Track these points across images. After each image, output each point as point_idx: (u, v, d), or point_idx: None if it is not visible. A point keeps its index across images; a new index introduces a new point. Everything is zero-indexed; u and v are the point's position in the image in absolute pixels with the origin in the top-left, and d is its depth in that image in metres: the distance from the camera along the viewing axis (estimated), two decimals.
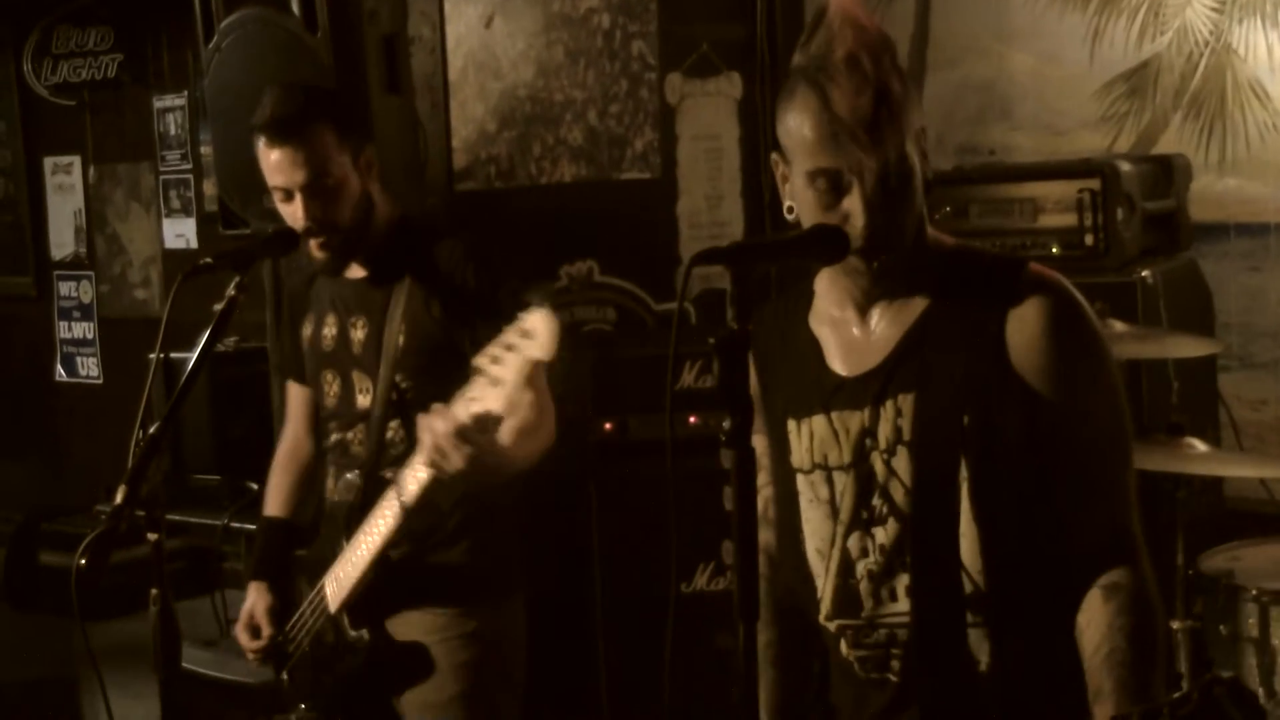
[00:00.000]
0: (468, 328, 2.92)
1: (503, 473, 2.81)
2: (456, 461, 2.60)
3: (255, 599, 3.20)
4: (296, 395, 3.34)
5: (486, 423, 2.59)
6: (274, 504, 3.33)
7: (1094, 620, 1.97)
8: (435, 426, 2.59)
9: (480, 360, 2.49)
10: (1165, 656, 1.99)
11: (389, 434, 3.01)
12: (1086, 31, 4.57)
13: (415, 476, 2.74)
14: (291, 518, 3.31)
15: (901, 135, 1.96)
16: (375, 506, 2.88)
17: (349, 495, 3.04)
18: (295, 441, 3.36)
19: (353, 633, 2.99)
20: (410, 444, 2.96)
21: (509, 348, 2.44)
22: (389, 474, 2.94)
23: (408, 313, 2.97)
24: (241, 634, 3.20)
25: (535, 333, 2.39)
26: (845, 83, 1.94)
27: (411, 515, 2.79)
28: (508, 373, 2.45)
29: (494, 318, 2.85)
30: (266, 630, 3.16)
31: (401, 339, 2.98)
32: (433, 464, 2.65)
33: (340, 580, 2.98)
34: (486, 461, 2.66)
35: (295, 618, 3.13)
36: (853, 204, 1.96)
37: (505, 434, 2.76)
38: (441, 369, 2.96)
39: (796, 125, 1.99)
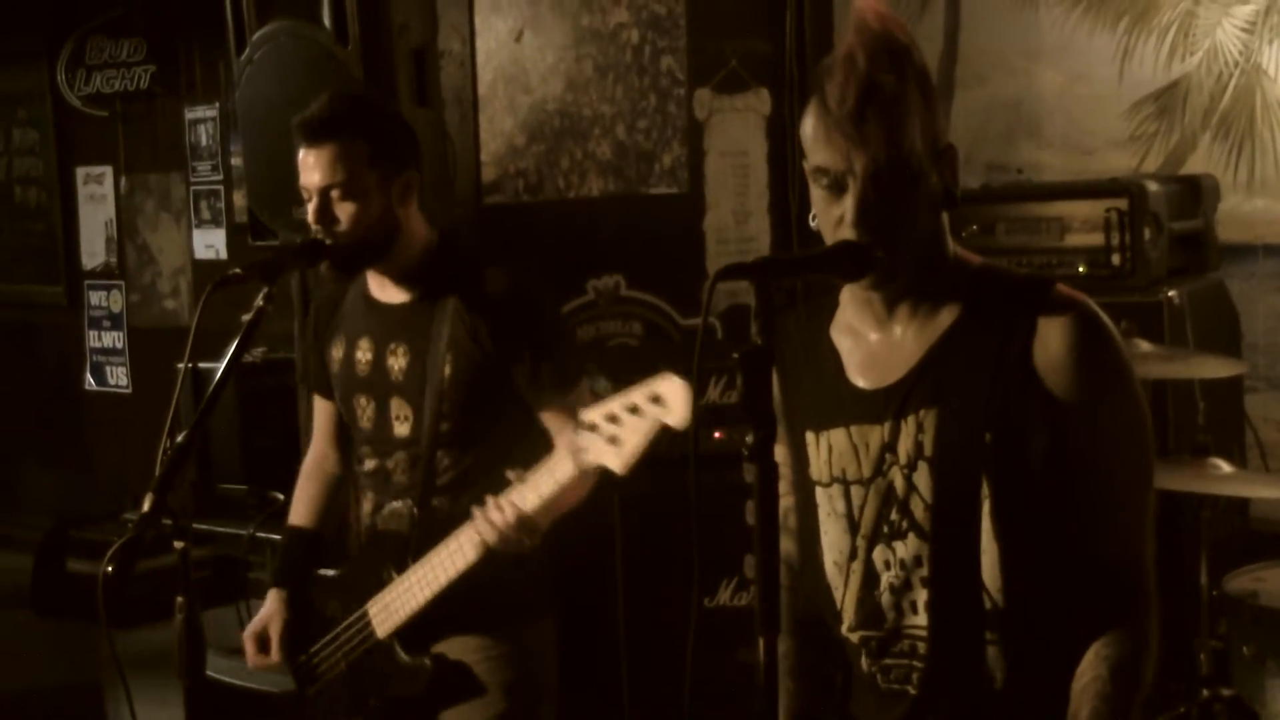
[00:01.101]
0: (519, 361, 2.96)
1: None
2: (527, 544, 2.80)
3: (274, 611, 3.20)
4: (322, 409, 3.35)
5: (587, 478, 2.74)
6: (299, 514, 3.34)
7: (1086, 647, 1.98)
8: (496, 520, 2.76)
9: (592, 415, 2.54)
10: (1147, 691, 1.99)
11: (437, 464, 3.04)
12: (1116, 50, 4.57)
13: (501, 514, 2.82)
14: (316, 528, 3.33)
15: (898, 135, 1.95)
16: (441, 541, 2.91)
17: (398, 525, 3.04)
18: (321, 454, 3.37)
19: (406, 658, 3.00)
20: (458, 475, 3.01)
21: (634, 410, 2.48)
22: (438, 503, 2.98)
23: (453, 341, 2.97)
24: (249, 641, 3.21)
25: (667, 400, 2.42)
26: (837, 77, 1.96)
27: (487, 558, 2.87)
28: (632, 436, 2.50)
29: (543, 352, 2.97)
30: (276, 653, 3.18)
31: (448, 369, 2.98)
32: (495, 542, 2.79)
33: (391, 608, 2.99)
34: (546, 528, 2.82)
35: (329, 639, 3.14)
36: (847, 201, 1.97)
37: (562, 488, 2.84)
38: (487, 399, 2.99)
39: (804, 125, 2.01)
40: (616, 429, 2.51)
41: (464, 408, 2.99)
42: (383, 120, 3.05)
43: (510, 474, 2.79)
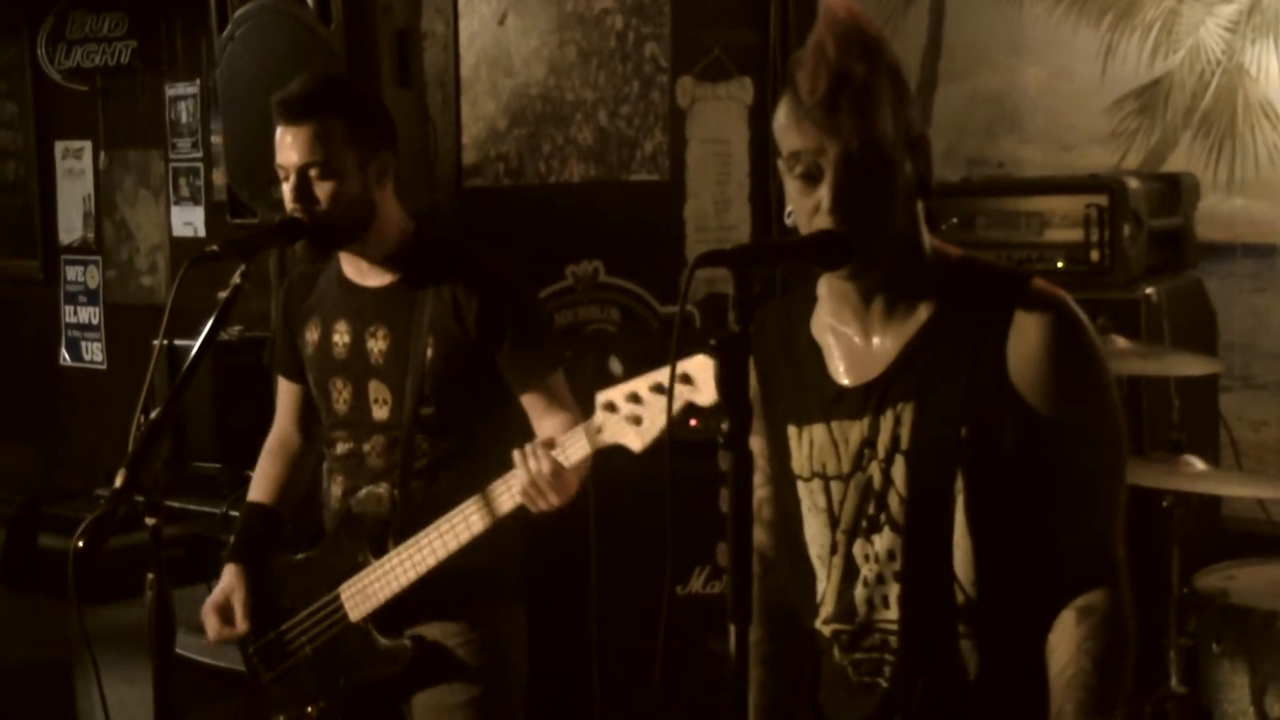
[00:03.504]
0: (502, 345, 2.97)
1: None
2: (554, 500, 2.75)
3: (233, 585, 3.19)
4: (287, 390, 3.34)
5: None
6: (259, 491, 3.33)
7: (1064, 640, 1.99)
8: (532, 467, 2.71)
9: (611, 395, 2.57)
10: (1130, 682, 2.00)
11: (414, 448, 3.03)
12: (1099, 47, 4.57)
13: (491, 507, 2.80)
14: (275, 506, 3.32)
15: (870, 122, 1.96)
16: (424, 523, 2.90)
17: (376, 508, 3.03)
18: (284, 433, 3.37)
19: (385, 640, 3.00)
20: (436, 459, 2.99)
21: (658, 389, 2.50)
22: (414, 486, 2.97)
23: (435, 324, 2.97)
24: (210, 615, 3.19)
25: (696, 378, 2.42)
26: (808, 66, 1.96)
27: (490, 531, 2.85)
28: (657, 415, 2.52)
29: (525, 345, 2.97)
30: (242, 624, 3.17)
31: (429, 352, 2.98)
32: (528, 499, 2.76)
33: (368, 591, 2.99)
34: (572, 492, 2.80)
35: (294, 622, 3.13)
36: (822, 190, 1.97)
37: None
38: (468, 382, 2.99)
39: (776, 116, 2.02)
40: (639, 409, 2.55)
41: (445, 391, 2.99)
42: (361, 101, 3.05)
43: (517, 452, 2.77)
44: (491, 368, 2.99)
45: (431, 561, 2.90)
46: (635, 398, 2.55)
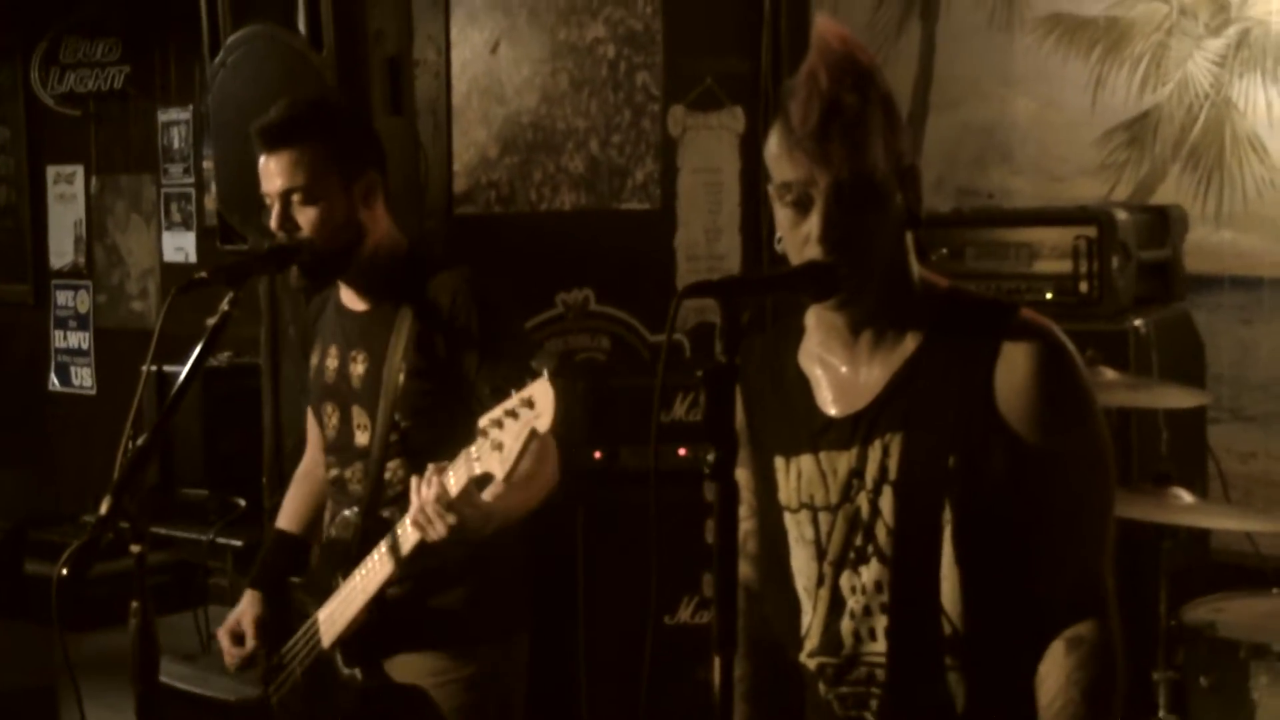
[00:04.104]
0: (473, 368, 2.92)
1: (491, 528, 2.80)
2: (440, 530, 2.65)
3: (246, 607, 3.19)
4: (313, 420, 3.33)
5: (483, 483, 2.63)
6: (285, 517, 3.33)
7: (1053, 671, 1.99)
8: (423, 493, 2.63)
9: (484, 421, 2.51)
10: (1119, 714, 2.00)
11: (388, 474, 2.99)
12: (1088, 79, 4.59)
13: (407, 530, 2.75)
14: (299, 533, 3.31)
15: (861, 152, 1.96)
16: (373, 546, 2.88)
17: (346, 533, 3.02)
18: (311, 461, 3.36)
19: (345, 670, 2.98)
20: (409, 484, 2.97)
21: (512, 414, 2.46)
22: (387, 514, 2.95)
23: (409, 349, 2.95)
24: (224, 637, 3.19)
25: (537, 403, 2.40)
26: (800, 95, 1.97)
27: (407, 564, 2.80)
28: (509, 440, 2.47)
29: (495, 363, 2.88)
30: (250, 641, 3.15)
31: (402, 376, 2.95)
32: (418, 528, 2.69)
33: (334, 617, 2.97)
34: (472, 526, 2.69)
35: (290, 643, 3.12)
36: (812, 219, 1.97)
37: (497, 486, 2.78)
38: (443, 408, 2.95)
39: (768, 145, 2.02)
40: (499, 434, 2.48)
41: (417, 416, 2.96)
42: (342, 122, 3.04)
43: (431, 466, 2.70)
44: (463, 393, 2.94)
45: (374, 581, 2.85)
46: (498, 423, 2.49)
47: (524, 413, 2.42)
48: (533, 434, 2.42)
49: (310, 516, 3.31)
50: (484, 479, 2.60)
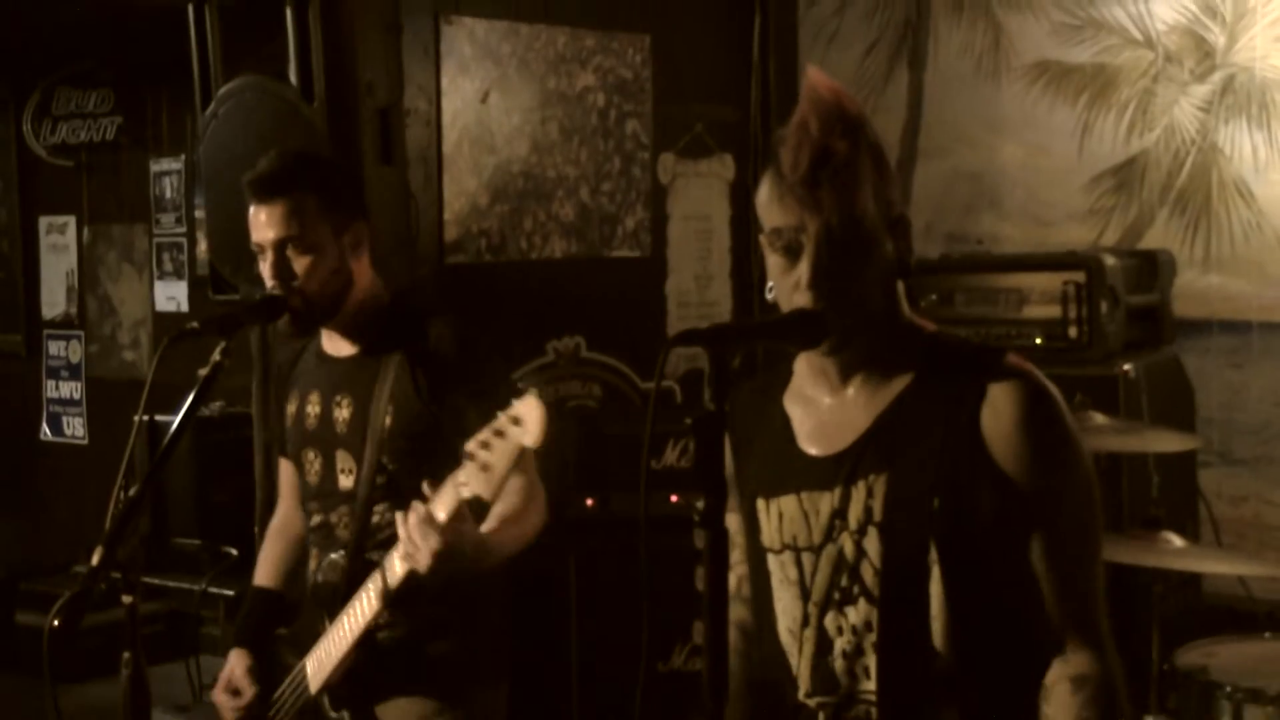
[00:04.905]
0: (456, 410, 2.92)
1: (486, 562, 2.80)
2: (426, 556, 2.61)
3: (235, 662, 3.18)
4: (286, 470, 3.33)
5: (473, 509, 2.61)
6: (263, 573, 3.31)
7: (1060, 712, 1.98)
8: (408, 520, 2.62)
9: (471, 445, 2.50)
10: None
11: (375, 517, 2.99)
12: (1076, 125, 4.63)
13: (394, 566, 2.74)
14: (278, 588, 3.30)
15: (851, 199, 1.98)
16: (360, 589, 2.88)
17: (333, 576, 3.02)
18: (286, 515, 3.35)
19: (333, 714, 2.97)
20: (396, 530, 2.96)
21: (499, 434, 2.45)
22: (375, 556, 2.94)
23: (395, 393, 2.96)
24: (220, 695, 3.17)
25: (524, 420, 2.40)
26: (790, 143, 1.99)
27: (394, 602, 2.79)
28: (497, 459, 2.46)
29: (481, 400, 2.84)
30: (249, 691, 3.12)
31: (388, 420, 2.96)
32: (406, 556, 2.67)
33: (321, 661, 2.96)
34: (464, 553, 2.66)
35: (277, 694, 3.11)
36: (802, 266, 1.99)
37: (490, 520, 2.77)
38: (428, 451, 2.94)
39: (759, 193, 2.04)
40: (487, 455, 2.47)
41: (403, 460, 2.95)
42: (331, 173, 3.07)
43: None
44: (449, 438, 2.95)
45: (360, 623, 2.84)
46: (485, 444, 2.48)
47: (511, 430, 2.42)
48: (520, 451, 2.42)
49: (287, 571, 3.30)
50: (474, 503, 2.59)
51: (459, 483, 2.55)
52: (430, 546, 2.59)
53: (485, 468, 2.48)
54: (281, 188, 2.94)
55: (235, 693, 3.14)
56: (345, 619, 2.89)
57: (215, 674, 3.25)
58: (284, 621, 3.21)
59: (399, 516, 2.66)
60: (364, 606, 2.83)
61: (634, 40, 4.77)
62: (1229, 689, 3.28)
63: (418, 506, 2.62)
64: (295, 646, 3.08)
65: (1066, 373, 2.16)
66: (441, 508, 2.61)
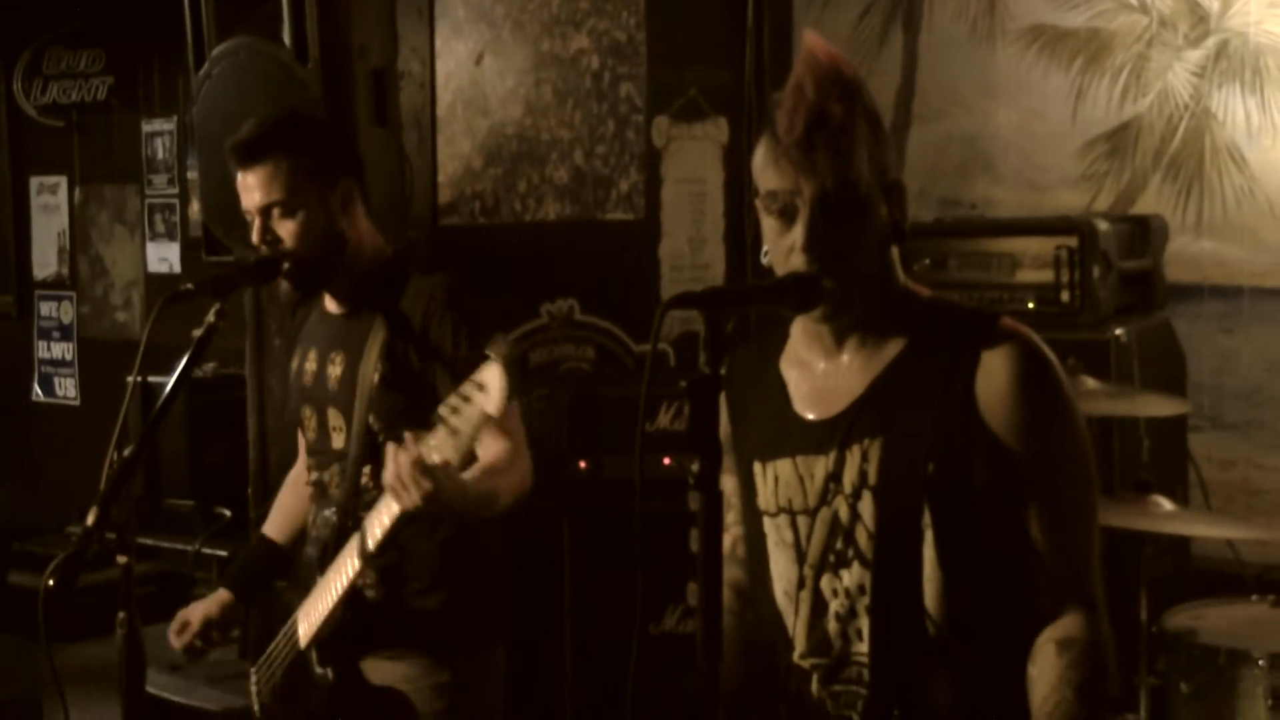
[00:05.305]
0: (443, 371, 2.92)
1: (474, 510, 2.81)
2: (415, 496, 2.58)
3: (207, 603, 3.20)
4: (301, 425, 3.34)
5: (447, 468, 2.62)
6: (271, 524, 3.35)
7: (1045, 672, 2.00)
8: (399, 458, 2.61)
9: (442, 409, 2.51)
10: (1110, 712, 2.02)
11: (363, 479, 3.00)
12: (1070, 90, 4.62)
13: (381, 517, 2.75)
14: (281, 540, 3.32)
15: (846, 162, 1.98)
16: (344, 548, 2.89)
17: (325, 533, 3.03)
18: (300, 470, 3.37)
19: (319, 670, 2.98)
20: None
21: (466, 399, 2.46)
22: (365, 516, 2.95)
23: (384, 352, 2.96)
24: (175, 622, 3.20)
25: (488, 387, 2.40)
26: (786, 106, 1.99)
27: (376, 555, 2.79)
28: (464, 424, 2.47)
29: (454, 367, 2.87)
30: (189, 634, 3.16)
31: (376, 378, 2.96)
32: (394, 494, 2.64)
33: (311, 617, 2.98)
34: (449, 497, 2.64)
35: (270, 647, 3.13)
36: (797, 229, 1.99)
37: (472, 470, 2.78)
38: (416, 410, 2.94)
39: (755, 156, 2.05)
40: (456, 419, 2.48)
41: (390, 418, 2.95)
42: (314, 133, 3.07)
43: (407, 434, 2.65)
44: (436, 397, 2.95)
45: (345, 580, 2.85)
46: (454, 409, 2.47)
47: (476, 396, 2.42)
48: (484, 417, 2.43)
49: (295, 525, 3.32)
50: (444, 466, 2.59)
51: (430, 445, 2.55)
52: (420, 488, 2.56)
53: (454, 433, 2.48)
54: (262, 152, 2.94)
55: (183, 627, 3.17)
56: (332, 577, 2.91)
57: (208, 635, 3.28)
58: (279, 573, 3.24)
59: (389, 449, 2.62)
60: (348, 566, 2.85)
61: (628, 2, 4.75)
62: (1217, 651, 3.31)
63: (408, 447, 2.58)
64: (292, 599, 3.10)
65: (1058, 337, 2.16)
66: (434, 453, 2.58)
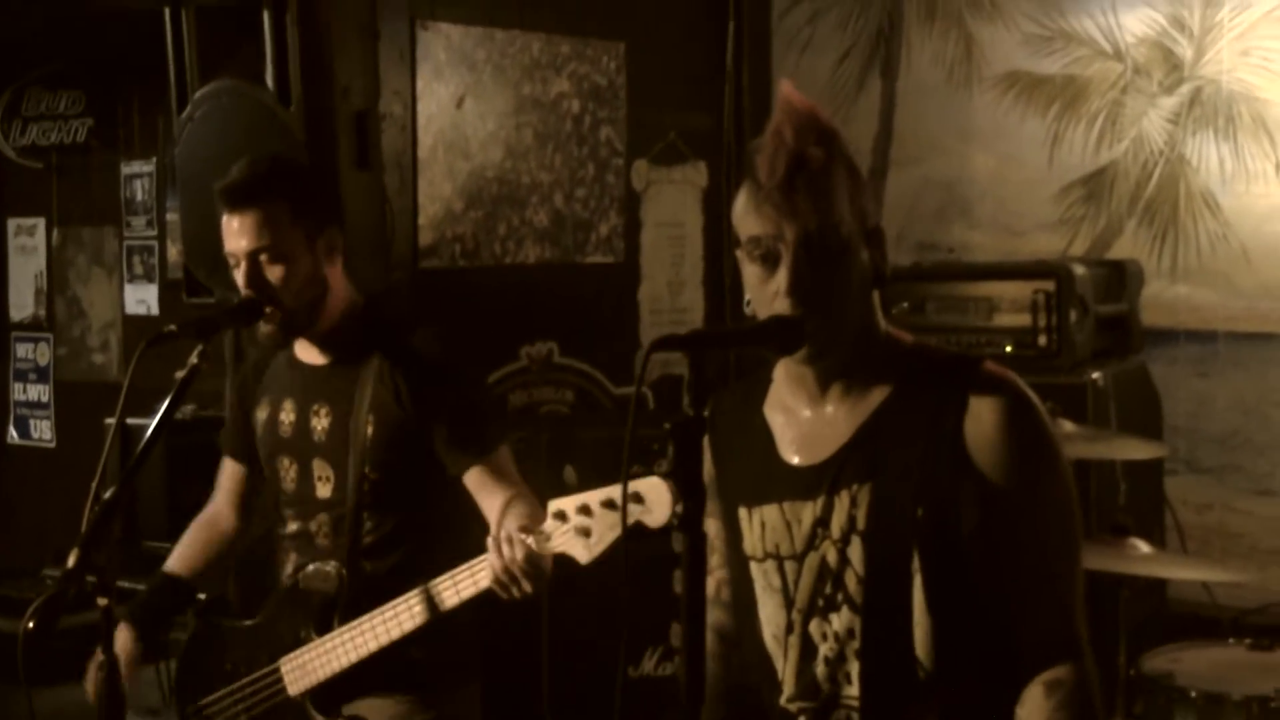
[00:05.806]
0: (437, 424, 2.96)
1: None
2: (527, 587, 2.69)
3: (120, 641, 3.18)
4: (230, 470, 3.35)
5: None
6: (177, 559, 3.33)
7: (1033, 714, 2.00)
8: (517, 551, 2.67)
9: (563, 505, 2.57)
10: None
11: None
12: (1046, 136, 4.67)
13: (461, 585, 2.78)
14: (188, 578, 3.32)
15: (827, 206, 2.00)
16: (373, 605, 2.89)
17: (323, 585, 3.02)
18: (217, 511, 3.37)
19: (320, 717, 2.98)
20: (382, 536, 3.00)
21: (609, 504, 2.52)
22: (370, 567, 2.97)
23: (375, 402, 2.97)
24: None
25: (649, 500, 2.43)
26: (766, 151, 2.01)
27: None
28: (607, 531, 2.54)
29: (467, 421, 2.96)
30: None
31: (370, 429, 2.98)
32: (501, 586, 2.71)
33: (308, 667, 2.97)
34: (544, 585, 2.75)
35: (230, 690, 3.11)
36: (780, 274, 2.01)
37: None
38: (409, 460, 2.98)
39: (736, 204, 2.06)
40: (589, 521, 2.55)
41: (386, 469, 2.98)
42: (303, 179, 3.08)
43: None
44: (430, 445, 2.98)
45: (373, 646, 2.87)
46: (586, 510, 2.55)
47: (632, 508, 2.44)
48: (637, 527, 2.45)
49: (202, 564, 3.33)
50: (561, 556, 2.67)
51: (547, 536, 2.62)
52: (533, 584, 2.69)
53: (584, 532, 2.56)
54: (253, 196, 2.94)
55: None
56: (353, 633, 2.90)
57: None
58: (180, 610, 3.23)
59: (492, 541, 2.71)
60: (399, 620, 2.85)
61: (609, 47, 4.79)
62: (1194, 694, 3.32)
63: (518, 541, 2.67)
64: (259, 645, 3.08)
65: (1036, 380, 2.18)
66: (544, 546, 2.68)
